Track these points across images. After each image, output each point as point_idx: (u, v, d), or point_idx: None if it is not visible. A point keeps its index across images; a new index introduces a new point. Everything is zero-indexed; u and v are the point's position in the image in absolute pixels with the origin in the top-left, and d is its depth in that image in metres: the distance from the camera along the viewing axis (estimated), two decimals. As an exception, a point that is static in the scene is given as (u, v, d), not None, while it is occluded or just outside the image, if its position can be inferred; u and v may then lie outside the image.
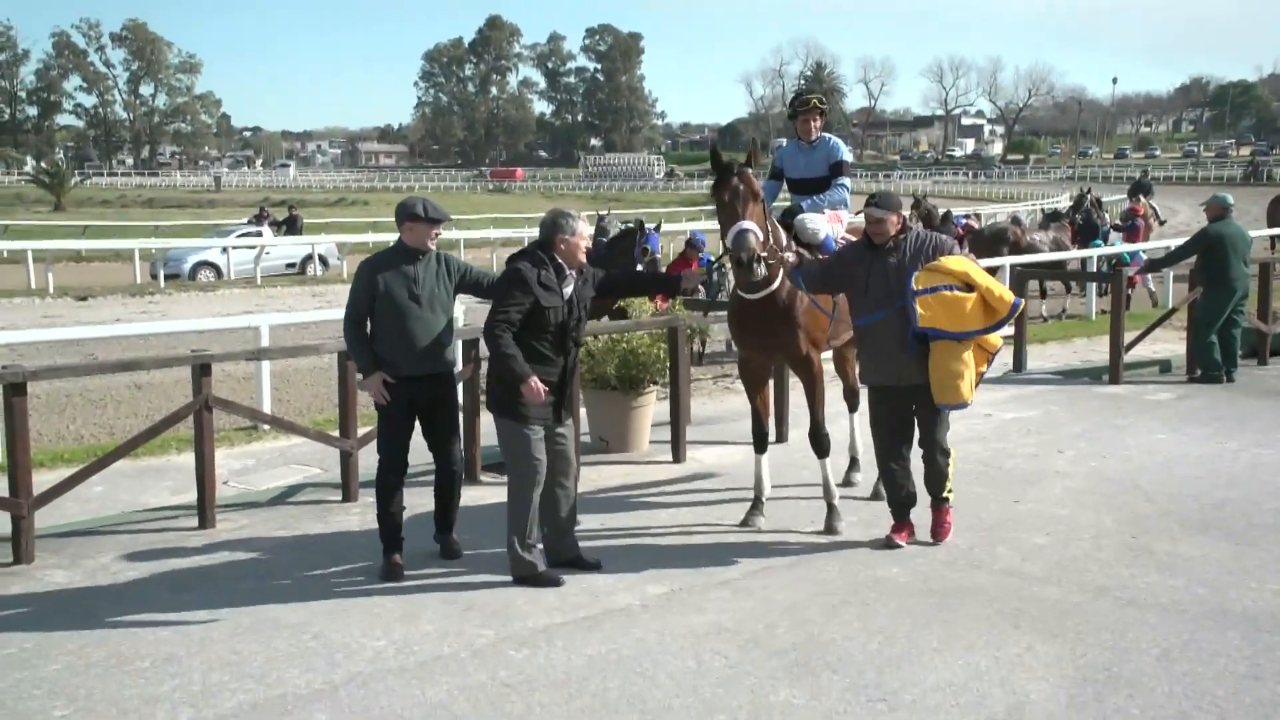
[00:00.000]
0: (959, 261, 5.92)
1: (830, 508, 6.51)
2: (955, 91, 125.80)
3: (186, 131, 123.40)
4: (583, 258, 5.71)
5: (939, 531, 6.20)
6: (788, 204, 6.98)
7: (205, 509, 6.71)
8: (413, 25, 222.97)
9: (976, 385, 6.00)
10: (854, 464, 7.56)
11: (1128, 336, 11.57)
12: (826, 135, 6.95)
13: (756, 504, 6.64)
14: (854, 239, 6.83)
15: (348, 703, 4.37)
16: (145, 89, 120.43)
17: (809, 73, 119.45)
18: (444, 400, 5.95)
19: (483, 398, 6.33)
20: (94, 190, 74.52)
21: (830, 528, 6.43)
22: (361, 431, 7.39)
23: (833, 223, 6.81)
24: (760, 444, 6.68)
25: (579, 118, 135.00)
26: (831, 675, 4.56)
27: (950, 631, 5.01)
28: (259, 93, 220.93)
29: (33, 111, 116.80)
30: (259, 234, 27.87)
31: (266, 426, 8.89)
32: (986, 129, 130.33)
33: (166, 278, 24.13)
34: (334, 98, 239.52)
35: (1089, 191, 22.46)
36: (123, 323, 14.99)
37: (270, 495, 7.46)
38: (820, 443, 6.49)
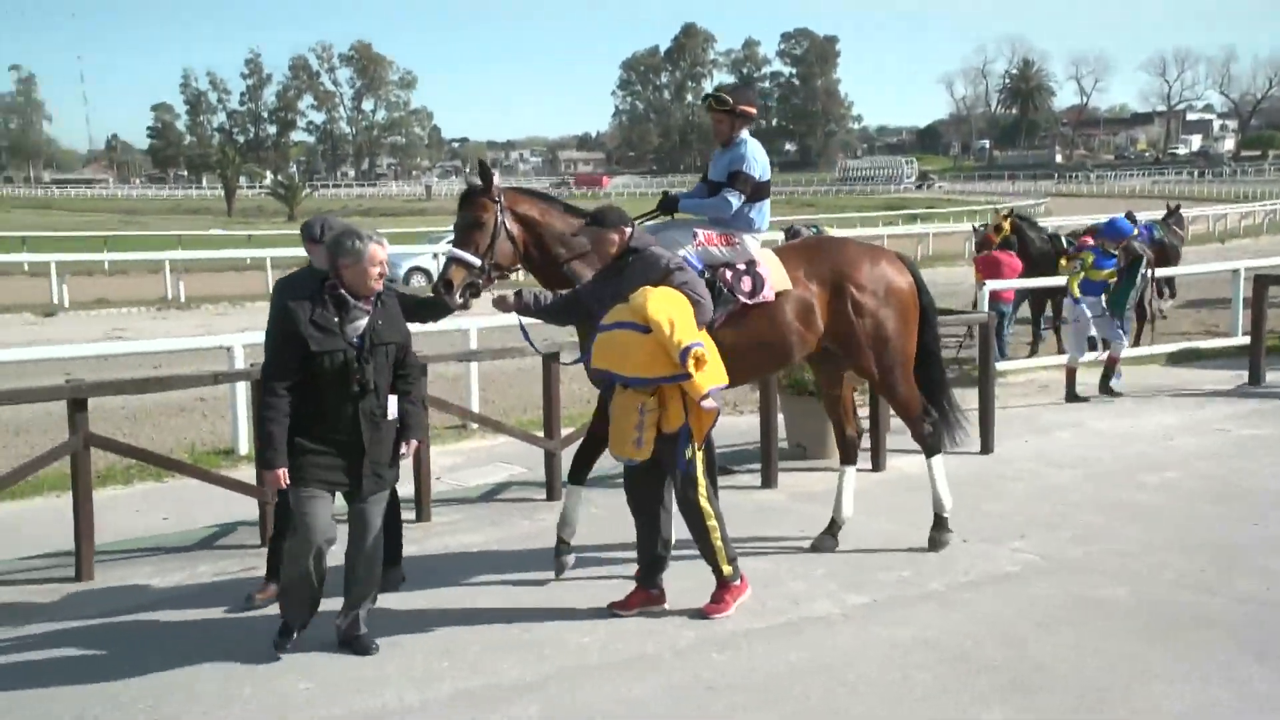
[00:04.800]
0: (650, 293, 5.00)
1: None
2: (1180, 85, 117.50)
3: (401, 144, 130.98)
4: (375, 284, 4.74)
5: (706, 607, 5.26)
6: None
7: (422, 503, 7.08)
8: (611, 35, 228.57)
9: (700, 447, 5.11)
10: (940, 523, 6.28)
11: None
12: (745, 139, 5.82)
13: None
14: (773, 269, 5.82)
15: (557, 696, 4.51)
16: (367, 104, 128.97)
17: (1014, 70, 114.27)
18: None
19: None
20: (322, 201, 79.87)
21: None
22: (565, 432, 7.63)
23: (709, 244, 5.73)
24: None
25: (773, 122, 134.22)
26: (1047, 696, 4.36)
27: (1180, 658, 4.69)
28: (466, 105, 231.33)
29: (272, 130, 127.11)
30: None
31: (475, 425, 9.30)
32: (1216, 124, 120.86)
33: (383, 283, 25.55)
34: (535, 108, 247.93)
35: None
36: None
37: (479, 492, 7.81)
38: None
